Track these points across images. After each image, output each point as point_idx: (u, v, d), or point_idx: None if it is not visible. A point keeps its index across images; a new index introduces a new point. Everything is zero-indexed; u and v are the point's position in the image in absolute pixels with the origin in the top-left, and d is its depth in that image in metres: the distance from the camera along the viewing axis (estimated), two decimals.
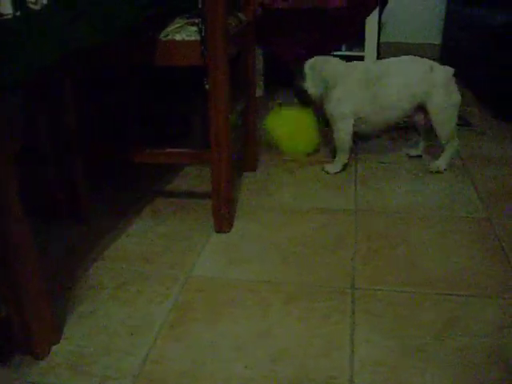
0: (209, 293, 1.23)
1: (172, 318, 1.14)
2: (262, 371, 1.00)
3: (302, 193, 1.70)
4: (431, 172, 1.82)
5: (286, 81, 2.19)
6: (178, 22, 1.36)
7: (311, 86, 1.83)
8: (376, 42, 2.64)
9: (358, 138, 1.95)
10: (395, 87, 1.75)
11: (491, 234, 1.45)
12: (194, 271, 1.31)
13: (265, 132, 2.02)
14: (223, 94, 1.33)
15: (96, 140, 1.67)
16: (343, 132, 1.79)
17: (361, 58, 2.60)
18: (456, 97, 1.76)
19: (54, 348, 1.06)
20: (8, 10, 0.76)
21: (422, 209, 1.59)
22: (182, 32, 1.32)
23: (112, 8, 1.06)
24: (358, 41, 2.66)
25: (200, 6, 1.28)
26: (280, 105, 2.05)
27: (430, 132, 1.86)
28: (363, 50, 2.68)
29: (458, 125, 1.83)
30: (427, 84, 1.73)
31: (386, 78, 1.76)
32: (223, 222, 1.47)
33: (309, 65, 1.84)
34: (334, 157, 1.86)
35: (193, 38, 1.31)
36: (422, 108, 1.79)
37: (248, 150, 1.83)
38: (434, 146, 1.92)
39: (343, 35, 2.32)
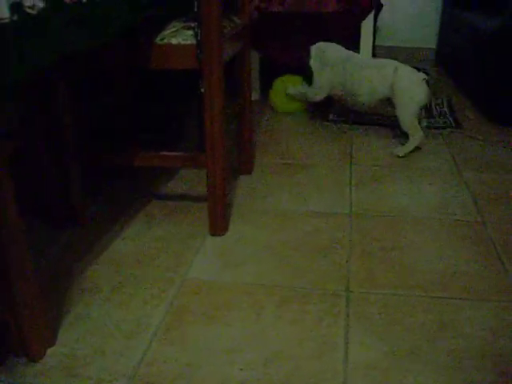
0: (204, 295, 1.23)
1: (167, 321, 1.15)
2: (256, 373, 1.01)
3: (297, 196, 1.71)
4: (395, 155, 2.04)
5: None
6: (175, 26, 1.37)
7: (313, 64, 2.26)
8: (371, 45, 2.65)
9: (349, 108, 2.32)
10: (361, 80, 2.12)
11: (485, 237, 1.46)
12: (189, 274, 1.31)
13: (269, 97, 2.54)
14: (218, 97, 1.34)
15: (90, 142, 1.67)
16: (312, 96, 2.30)
17: None
18: (419, 97, 2.02)
19: (49, 350, 1.06)
20: (5, 14, 0.76)
21: (416, 212, 1.60)
22: (178, 36, 1.32)
23: (108, 12, 1.06)
24: (353, 44, 2.67)
25: (196, 9, 1.29)
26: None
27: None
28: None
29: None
30: (389, 83, 2.06)
31: (358, 71, 2.14)
32: (218, 225, 1.47)
33: (313, 48, 2.28)
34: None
35: (189, 42, 1.31)
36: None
37: (244, 153, 1.84)
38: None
39: (338, 39, 2.34)
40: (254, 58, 2.49)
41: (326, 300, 1.21)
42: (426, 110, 2.51)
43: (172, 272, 1.32)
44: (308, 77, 2.30)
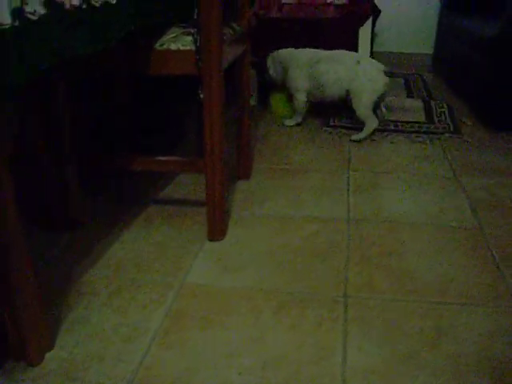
0: (202, 300, 1.23)
1: (166, 325, 1.15)
2: (254, 378, 1.01)
3: (295, 201, 1.71)
4: (351, 140, 2.24)
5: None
6: (174, 32, 1.37)
7: (273, 72, 2.42)
8: (369, 51, 2.67)
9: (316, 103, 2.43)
10: (327, 71, 2.24)
11: (482, 243, 1.47)
12: (187, 279, 1.32)
13: (270, 105, 2.60)
14: (217, 103, 1.34)
15: (89, 143, 1.68)
16: (298, 101, 2.36)
17: None
18: (378, 86, 2.19)
19: (48, 355, 1.06)
20: (7, 19, 0.77)
21: (413, 218, 1.61)
22: (178, 41, 1.33)
23: (108, 17, 1.07)
24: (352, 50, 2.68)
25: (195, 16, 1.29)
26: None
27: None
28: None
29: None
30: (351, 73, 2.20)
31: (321, 64, 2.25)
32: (216, 229, 1.48)
33: (269, 58, 2.42)
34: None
35: (188, 48, 1.32)
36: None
37: (242, 158, 1.85)
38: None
39: (336, 45, 2.35)
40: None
41: (324, 305, 1.22)
42: (426, 113, 2.53)
43: (171, 276, 1.32)
44: (271, 85, 2.49)
